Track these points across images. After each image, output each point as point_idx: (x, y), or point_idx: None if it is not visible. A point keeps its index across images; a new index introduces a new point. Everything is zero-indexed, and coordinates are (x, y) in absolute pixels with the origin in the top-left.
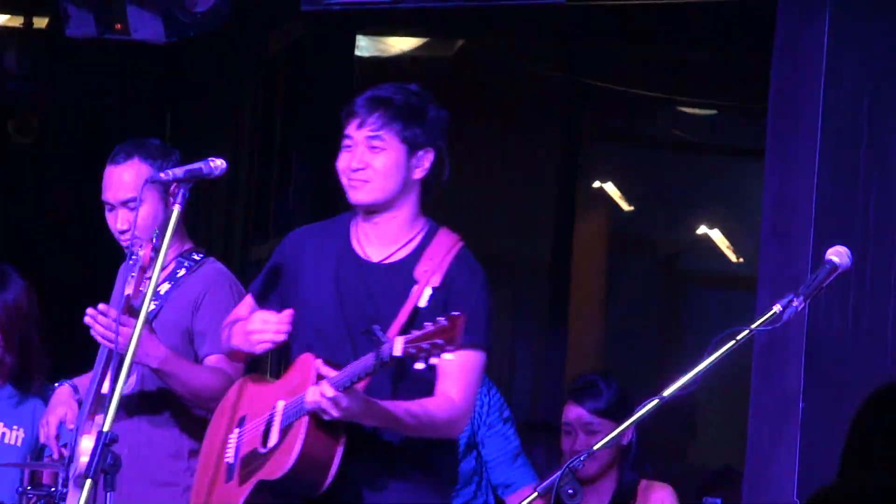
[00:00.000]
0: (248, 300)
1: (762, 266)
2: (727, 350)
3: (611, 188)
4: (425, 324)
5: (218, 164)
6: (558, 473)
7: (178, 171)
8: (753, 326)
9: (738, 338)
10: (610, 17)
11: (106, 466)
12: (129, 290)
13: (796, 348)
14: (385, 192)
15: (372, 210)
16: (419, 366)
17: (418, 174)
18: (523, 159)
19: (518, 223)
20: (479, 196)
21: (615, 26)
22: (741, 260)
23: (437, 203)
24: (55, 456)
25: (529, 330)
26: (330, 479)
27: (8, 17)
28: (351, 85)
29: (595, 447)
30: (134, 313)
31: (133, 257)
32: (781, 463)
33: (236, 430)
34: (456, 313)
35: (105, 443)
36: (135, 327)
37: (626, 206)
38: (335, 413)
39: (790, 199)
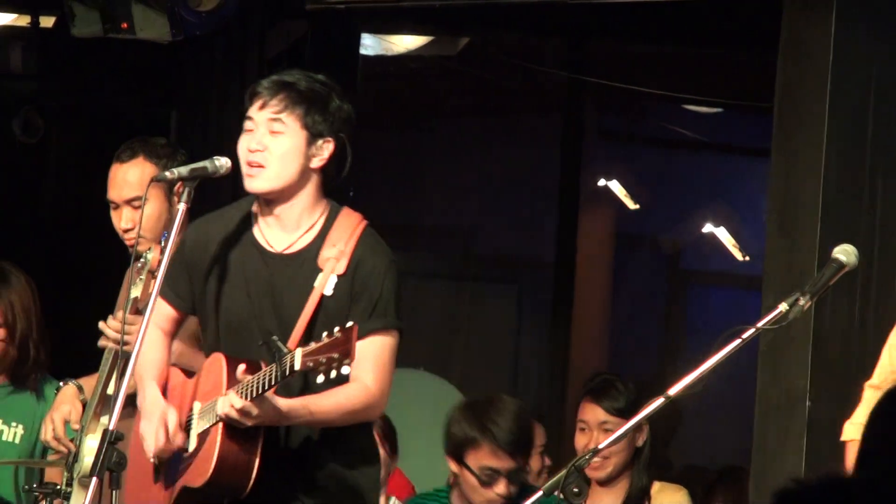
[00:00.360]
0: (163, 306)
1: (768, 264)
2: (733, 349)
3: (616, 186)
4: (323, 334)
5: (223, 162)
6: (564, 472)
7: (183, 170)
8: (759, 325)
9: (744, 336)
10: (614, 14)
11: (111, 465)
12: (136, 293)
13: (802, 347)
14: (281, 178)
15: (270, 198)
16: (320, 379)
17: (317, 163)
18: (527, 157)
19: (522, 221)
20: (483, 194)
21: (619, 24)
22: (747, 258)
23: (443, 200)
24: (64, 451)
25: (534, 328)
26: (252, 481)
27: (14, 16)
28: (354, 83)
29: (601, 445)
30: (141, 315)
31: (141, 260)
32: (788, 462)
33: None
34: (349, 324)
35: (110, 441)
36: (141, 327)
37: (631, 204)
38: (247, 422)
39: (796, 197)
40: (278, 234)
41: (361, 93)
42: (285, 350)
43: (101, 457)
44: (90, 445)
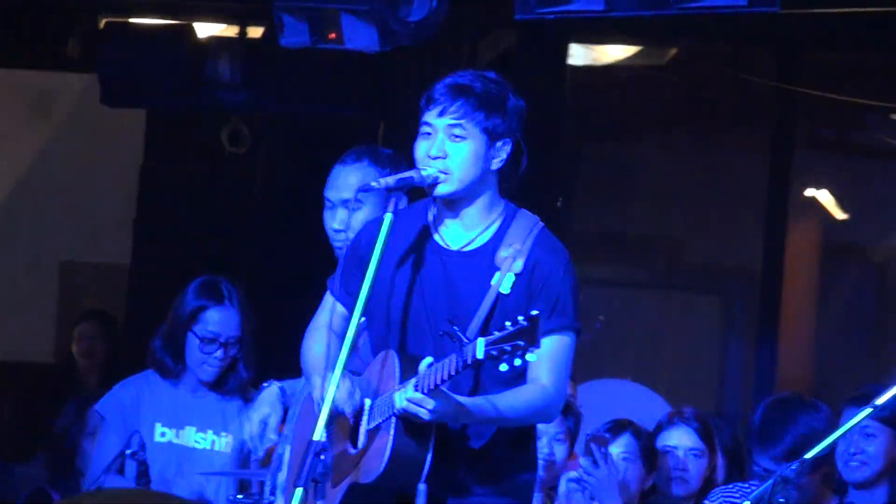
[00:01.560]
0: (330, 302)
1: None
2: None
3: (824, 196)
4: (506, 323)
5: (430, 172)
6: (770, 482)
7: (391, 180)
8: None
9: None
10: (823, 24)
11: (316, 475)
12: None
13: None
14: (464, 183)
15: (451, 200)
16: (503, 367)
17: (496, 165)
18: (735, 167)
19: (729, 231)
20: (691, 203)
21: (828, 34)
22: None
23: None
24: (258, 455)
25: (741, 338)
26: (423, 477)
27: (223, 26)
28: (563, 93)
29: (807, 455)
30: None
31: None
32: None
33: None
34: (534, 312)
35: (315, 451)
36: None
37: (839, 215)
38: (425, 417)
39: None
40: (456, 233)
41: (570, 103)
42: (466, 340)
43: (307, 467)
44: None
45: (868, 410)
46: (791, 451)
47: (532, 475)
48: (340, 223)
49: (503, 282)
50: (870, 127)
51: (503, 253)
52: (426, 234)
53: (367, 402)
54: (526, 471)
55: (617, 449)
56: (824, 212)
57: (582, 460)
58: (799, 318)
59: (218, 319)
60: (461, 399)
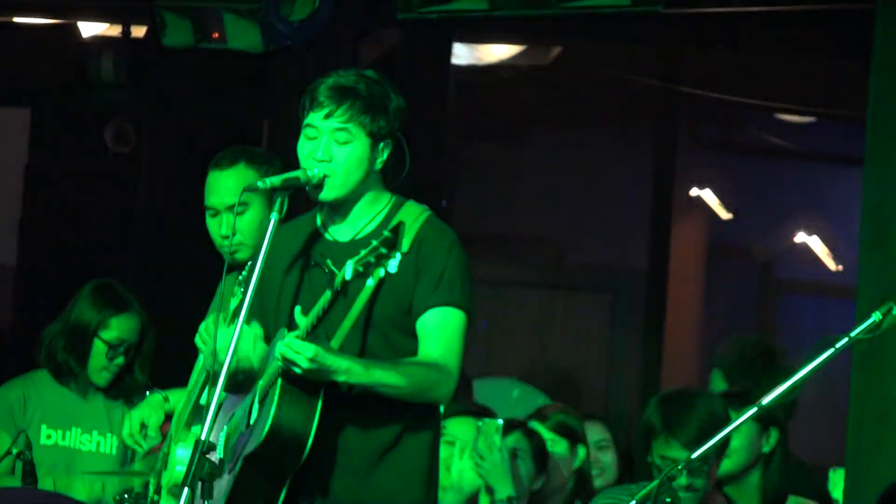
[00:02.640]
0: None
1: (861, 274)
2: (826, 358)
3: (708, 195)
4: (371, 241)
5: (315, 173)
6: (656, 482)
7: (276, 180)
8: (853, 334)
9: (838, 346)
10: (707, 25)
11: (203, 475)
12: (235, 303)
13: (895, 357)
14: (347, 186)
15: (335, 205)
16: (370, 283)
17: (379, 165)
18: (620, 166)
19: (614, 230)
20: (575, 203)
21: (712, 34)
22: (839, 268)
23: (536, 210)
24: (140, 453)
25: (626, 337)
26: (307, 446)
27: (106, 25)
28: (446, 93)
29: (693, 456)
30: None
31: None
32: (882, 470)
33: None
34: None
35: (202, 451)
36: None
37: (724, 214)
38: (304, 364)
39: (889, 206)
40: (343, 228)
41: (453, 102)
42: (335, 270)
43: (194, 467)
44: (180, 455)
45: (753, 410)
46: (699, 435)
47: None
48: (227, 228)
49: (390, 262)
50: (752, 126)
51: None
52: (315, 235)
53: (259, 382)
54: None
55: (509, 446)
56: (709, 211)
57: (479, 442)
58: (684, 317)
59: (125, 326)
60: (339, 353)
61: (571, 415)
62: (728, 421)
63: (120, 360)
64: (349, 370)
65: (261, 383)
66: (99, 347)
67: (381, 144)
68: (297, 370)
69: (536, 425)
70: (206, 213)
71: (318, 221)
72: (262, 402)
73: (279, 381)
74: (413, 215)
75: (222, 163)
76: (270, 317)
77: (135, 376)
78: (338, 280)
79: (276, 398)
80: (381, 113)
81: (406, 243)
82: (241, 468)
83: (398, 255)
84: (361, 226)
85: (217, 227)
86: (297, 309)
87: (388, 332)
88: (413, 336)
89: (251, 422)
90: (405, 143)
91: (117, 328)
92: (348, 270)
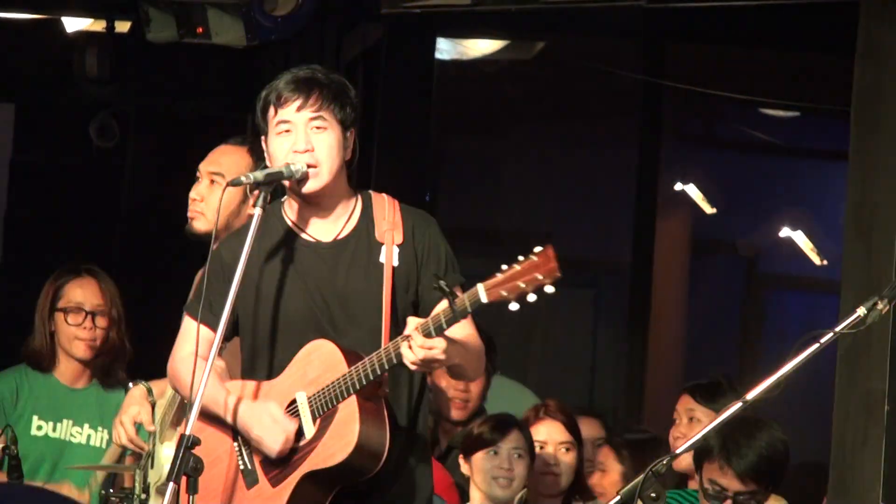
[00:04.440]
0: (193, 328)
1: (845, 268)
2: (811, 353)
3: (692, 190)
4: (514, 265)
5: (298, 167)
6: (641, 477)
7: (259, 175)
8: (837, 329)
9: (822, 341)
10: (691, 17)
11: (188, 469)
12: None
13: (881, 351)
14: (331, 174)
15: (318, 197)
16: (514, 307)
17: (349, 154)
18: (603, 161)
19: (598, 224)
20: (559, 198)
21: (695, 28)
22: (825, 262)
23: (519, 205)
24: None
25: (610, 331)
26: (383, 459)
27: (90, 20)
28: (430, 88)
29: (678, 451)
30: None
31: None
32: (866, 467)
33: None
34: (539, 248)
35: (187, 446)
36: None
37: (708, 208)
38: (442, 356)
39: (873, 200)
40: (323, 226)
41: (437, 97)
42: (450, 292)
43: (179, 462)
44: (166, 454)
45: (738, 405)
46: (755, 467)
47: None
48: (198, 193)
49: (392, 256)
50: (736, 121)
51: (381, 227)
52: (291, 235)
53: (302, 394)
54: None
55: (508, 445)
56: (693, 205)
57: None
58: (668, 312)
59: (76, 289)
60: (453, 336)
61: (570, 412)
62: (787, 456)
63: (87, 324)
64: (465, 349)
65: (304, 396)
66: (60, 320)
67: (348, 133)
68: (437, 363)
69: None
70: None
71: (289, 222)
72: (315, 416)
73: (355, 399)
74: (387, 205)
75: (231, 140)
76: (256, 323)
77: (123, 348)
78: (461, 306)
79: (357, 416)
80: (347, 100)
81: (399, 235)
82: (300, 483)
83: (551, 285)
84: (341, 224)
85: (193, 191)
86: (413, 320)
87: (400, 320)
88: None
89: (307, 436)
90: (356, 137)
91: (71, 293)
92: (483, 295)
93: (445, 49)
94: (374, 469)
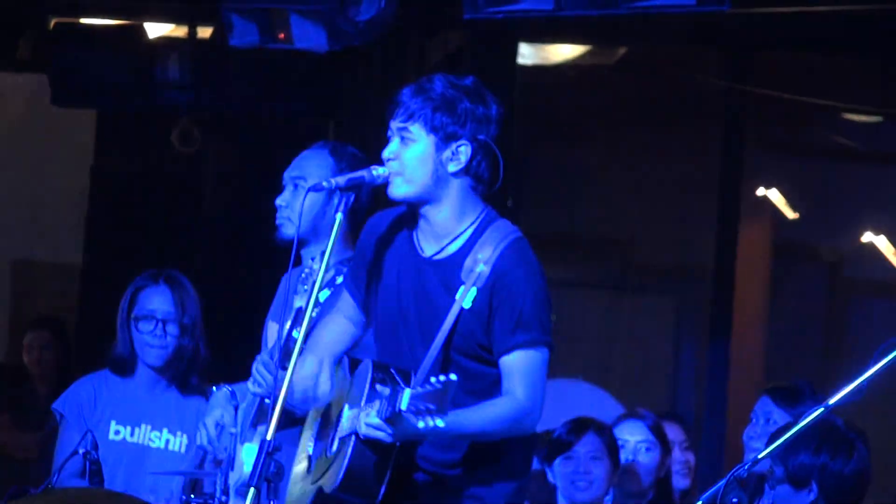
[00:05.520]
0: (346, 297)
1: None
2: (893, 359)
3: (775, 195)
4: (431, 378)
5: (381, 172)
6: (722, 482)
7: (340, 180)
8: None
9: None
10: (773, 24)
11: (269, 475)
12: (300, 303)
13: None
14: (415, 184)
15: (413, 204)
16: (420, 424)
17: (454, 167)
18: (686, 167)
19: (681, 231)
20: (642, 204)
21: (778, 34)
22: None
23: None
24: (218, 457)
25: (693, 337)
26: (380, 496)
27: (172, 26)
28: (512, 93)
29: (760, 455)
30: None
31: (306, 270)
32: None
33: (315, 424)
34: (450, 378)
35: (268, 451)
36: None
37: (790, 214)
38: (387, 440)
39: None
40: (430, 239)
41: (519, 103)
42: (401, 385)
43: (260, 467)
44: (247, 454)
45: (820, 410)
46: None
47: (511, 484)
48: (282, 199)
49: (466, 296)
50: (819, 127)
51: (469, 264)
52: (409, 238)
53: (347, 408)
54: (503, 481)
55: (583, 448)
56: (775, 211)
57: None
58: (751, 319)
59: (152, 297)
60: (423, 424)
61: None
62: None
63: (158, 331)
64: (436, 432)
65: (348, 410)
66: (134, 327)
67: (453, 145)
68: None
69: (633, 425)
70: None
71: (413, 224)
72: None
73: (353, 437)
74: (497, 239)
75: (316, 145)
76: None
77: (197, 358)
78: (396, 403)
79: (351, 448)
80: (445, 111)
81: (483, 277)
82: (316, 497)
83: (441, 421)
84: (445, 242)
85: (280, 198)
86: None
87: (460, 361)
88: (484, 362)
89: (329, 452)
90: (497, 151)
91: (144, 300)
92: (404, 402)
93: (527, 54)
94: (373, 500)
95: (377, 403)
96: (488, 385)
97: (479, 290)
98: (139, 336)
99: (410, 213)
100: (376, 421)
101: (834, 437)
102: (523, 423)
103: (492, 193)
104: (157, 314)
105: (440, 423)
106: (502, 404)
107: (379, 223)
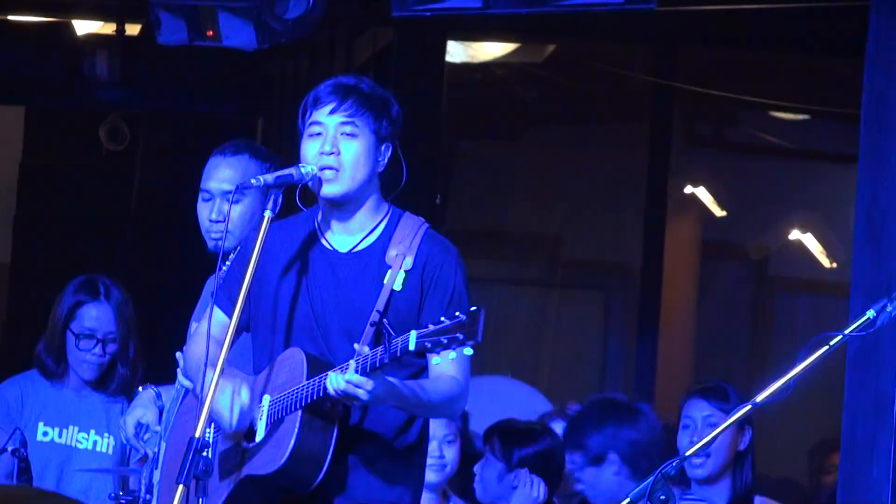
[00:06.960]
0: (218, 314)
1: (855, 271)
2: (820, 356)
3: (702, 193)
4: (441, 318)
5: (309, 169)
6: (650, 479)
7: (269, 177)
8: (847, 332)
9: (832, 343)
10: (700, 21)
11: (198, 472)
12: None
13: (890, 353)
14: (355, 182)
15: (339, 202)
16: (435, 360)
17: (381, 168)
18: (614, 164)
19: (609, 228)
20: (569, 201)
21: (706, 31)
22: (834, 265)
23: (530, 207)
24: (140, 454)
25: (620, 334)
26: (322, 475)
27: (100, 23)
28: (441, 91)
29: (687, 453)
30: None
31: (227, 264)
32: (876, 467)
33: (210, 428)
34: (474, 308)
35: (196, 448)
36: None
37: (718, 211)
38: (364, 398)
39: (883, 203)
40: (343, 237)
41: (447, 100)
42: (393, 333)
43: (188, 464)
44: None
45: (747, 408)
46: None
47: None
48: (218, 214)
49: (395, 279)
50: (746, 124)
51: (393, 252)
52: (313, 238)
53: (267, 398)
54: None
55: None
56: (703, 208)
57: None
58: (678, 314)
59: (94, 315)
60: (395, 381)
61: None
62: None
63: (97, 349)
64: (400, 397)
65: (268, 399)
66: (71, 340)
67: (383, 146)
68: (357, 401)
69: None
70: (200, 195)
71: (316, 224)
72: (269, 421)
73: (300, 412)
74: (413, 229)
75: (227, 150)
76: (264, 320)
77: (117, 371)
78: (397, 347)
79: (297, 427)
80: (384, 113)
81: (409, 261)
82: (240, 485)
83: (471, 349)
84: (360, 237)
85: (207, 212)
86: (360, 348)
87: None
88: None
89: (257, 439)
90: (401, 153)
91: (86, 318)
92: (412, 342)
93: (456, 52)
94: (311, 483)
95: (352, 363)
96: (416, 372)
97: (407, 272)
98: (76, 351)
99: (306, 219)
100: (356, 377)
101: (614, 409)
102: (459, 403)
103: (420, 191)
104: (97, 333)
105: (468, 350)
106: (447, 381)
107: (271, 232)
